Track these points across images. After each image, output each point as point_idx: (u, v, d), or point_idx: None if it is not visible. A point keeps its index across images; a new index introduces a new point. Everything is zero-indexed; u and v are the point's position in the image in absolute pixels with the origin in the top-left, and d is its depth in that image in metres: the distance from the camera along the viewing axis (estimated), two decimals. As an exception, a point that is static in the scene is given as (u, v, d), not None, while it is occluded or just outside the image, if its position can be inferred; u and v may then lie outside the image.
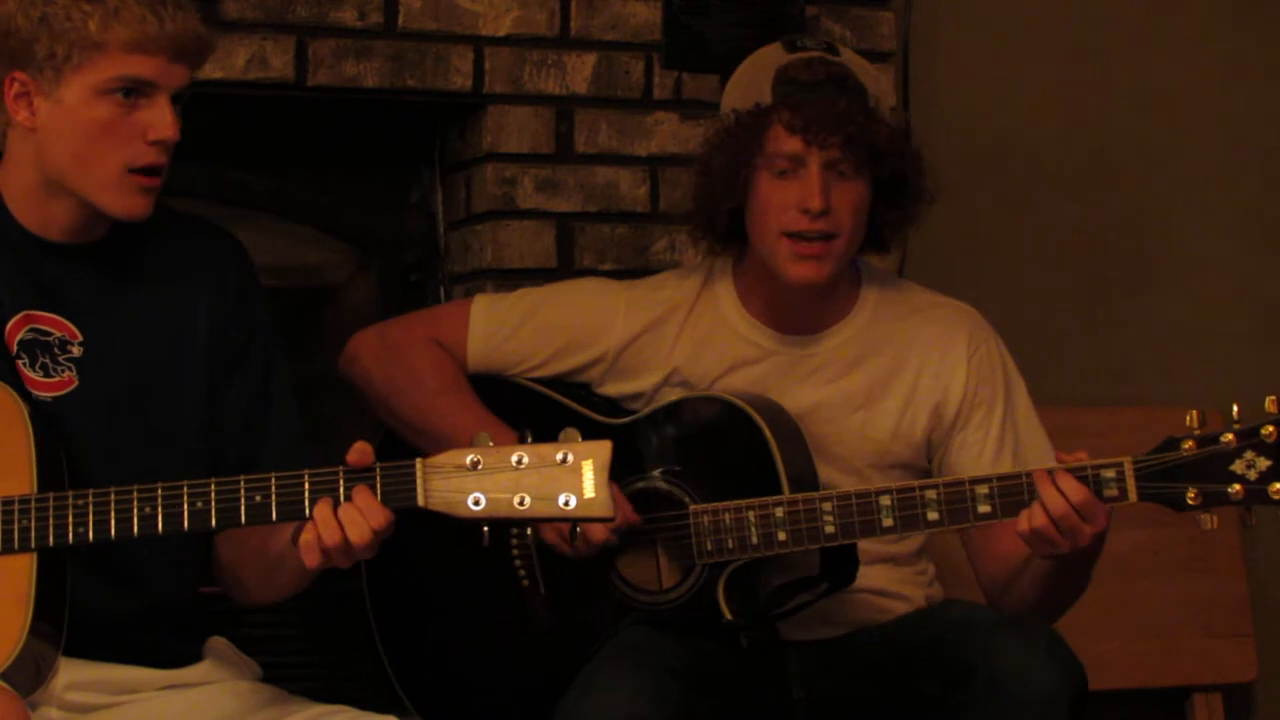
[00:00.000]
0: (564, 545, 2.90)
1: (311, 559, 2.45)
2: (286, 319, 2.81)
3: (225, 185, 3.51)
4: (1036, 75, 4.06)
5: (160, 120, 2.57)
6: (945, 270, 3.66)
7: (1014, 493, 2.71)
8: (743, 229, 3.00)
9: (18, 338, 2.60)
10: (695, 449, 2.96)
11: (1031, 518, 2.68)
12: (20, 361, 2.60)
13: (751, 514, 2.85)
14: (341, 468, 2.46)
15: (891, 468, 3.00)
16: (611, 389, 3.08)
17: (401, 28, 3.50)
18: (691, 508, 2.90)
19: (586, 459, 2.37)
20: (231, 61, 3.38)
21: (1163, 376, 4.10)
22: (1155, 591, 3.89)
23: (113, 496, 2.48)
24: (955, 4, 3.98)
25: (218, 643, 2.74)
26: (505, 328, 3.09)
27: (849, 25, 3.76)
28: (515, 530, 3.03)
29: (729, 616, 2.88)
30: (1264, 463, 2.59)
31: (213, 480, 2.48)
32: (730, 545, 2.87)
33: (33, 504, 2.48)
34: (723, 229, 3.02)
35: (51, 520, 2.48)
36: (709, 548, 2.88)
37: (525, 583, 2.97)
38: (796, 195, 2.91)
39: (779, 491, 2.84)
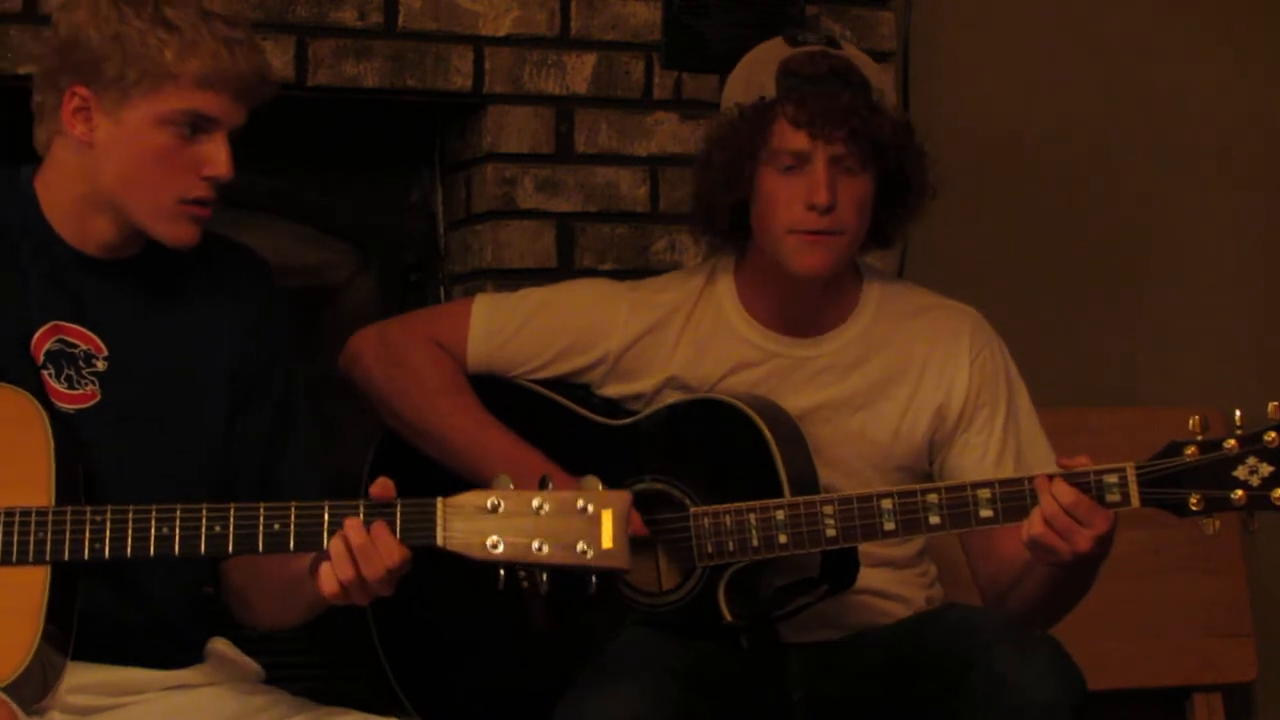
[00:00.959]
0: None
1: (329, 587, 2.44)
2: (297, 320, 2.81)
3: (226, 185, 3.50)
4: (1037, 75, 4.07)
5: (217, 157, 2.58)
6: (945, 269, 3.66)
7: (1016, 498, 2.70)
8: (745, 224, 3.00)
9: (45, 348, 2.60)
10: (696, 451, 2.96)
11: (1030, 525, 2.68)
12: (46, 372, 2.59)
13: (752, 516, 2.85)
14: (362, 501, 2.46)
15: (893, 470, 3.00)
16: (612, 390, 3.07)
17: (401, 28, 3.50)
18: (692, 510, 2.90)
19: (606, 509, 2.39)
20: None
21: (1163, 376, 4.10)
22: (1155, 591, 3.89)
23: (130, 515, 2.47)
24: (955, 4, 3.98)
25: (219, 644, 2.74)
26: (506, 329, 3.09)
27: (849, 25, 3.76)
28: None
29: (729, 618, 2.88)
30: (1267, 469, 2.59)
31: (232, 505, 2.47)
32: (731, 547, 2.87)
33: (49, 517, 2.47)
34: (724, 224, 3.02)
35: (68, 535, 2.47)
36: (709, 550, 2.88)
37: (525, 584, 2.97)
38: (803, 191, 2.90)
39: (779, 493, 2.84)
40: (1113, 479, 2.67)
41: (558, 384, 3.10)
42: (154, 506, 2.48)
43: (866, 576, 2.94)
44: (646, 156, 3.66)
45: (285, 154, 3.55)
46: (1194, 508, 2.62)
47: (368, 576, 2.43)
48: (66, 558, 2.46)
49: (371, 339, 3.15)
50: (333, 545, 2.44)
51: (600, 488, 2.40)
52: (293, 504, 2.47)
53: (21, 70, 3.22)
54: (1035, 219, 4.07)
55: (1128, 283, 4.14)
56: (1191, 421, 2.64)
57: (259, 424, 2.71)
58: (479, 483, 2.99)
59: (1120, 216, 4.13)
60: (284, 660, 3.04)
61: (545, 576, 2.40)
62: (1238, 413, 2.61)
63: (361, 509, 2.45)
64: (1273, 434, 2.59)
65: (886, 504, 2.77)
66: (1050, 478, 2.68)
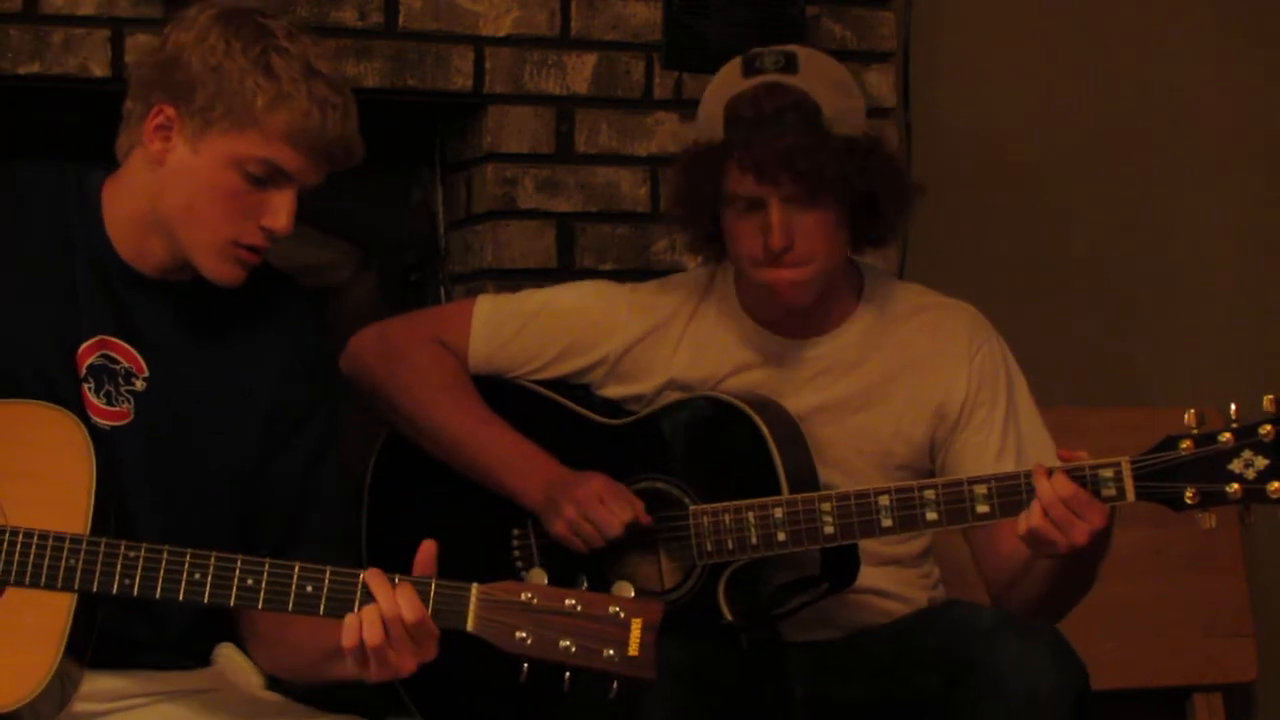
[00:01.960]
0: (574, 540, 2.90)
1: (349, 639, 2.39)
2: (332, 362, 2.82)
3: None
4: (1037, 75, 4.07)
5: (280, 210, 2.55)
6: (945, 270, 3.66)
7: (1012, 492, 2.71)
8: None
9: (88, 361, 2.59)
10: (695, 450, 2.96)
11: (1029, 517, 2.68)
12: (87, 385, 2.58)
13: (751, 514, 2.85)
14: (398, 576, 2.42)
15: (894, 469, 2.99)
16: (612, 391, 3.08)
17: (402, 28, 3.50)
18: (691, 508, 2.90)
19: (637, 618, 2.38)
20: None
21: (1163, 376, 4.11)
22: (1155, 591, 3.89)
23: (165, 556, 2.44)
24: (955, 4, 3.98)
25: (226, 649, 2.73)
26: (507, 329, 3.09)
27: (849, 25, 3.76)
28: (516, 530, 3.04)
29: (729, 617, 2.88)
30: (1262, 461, 2.59)
31: (267, 561, 2.44)
32: (730, 546, 2.87)
33: (83, 546, 2.45)
34: (710, 248, 3.02)
35: (99, 566, 2.45)
36: (709, 548, 2.88)
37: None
38: (759, 232, 2.90)
39: (778, 492, 2.85)
40: (1108, 473, 2.67)
41: (558, 384, 3.10)
42: (189, 551, 2.45)
43: (869, 576, 2.94)
44: (647, 156, 3.66)
45: (285, 154, 3.56)
46: (1189, 501, 2.62)
47: (391, 633, 2.38)
48: (95, 589, 2.45)
49: (373, 338, 3.15)
50: (365, 607, 2.40)
51: (632, 594, 2.40)
52: (328, 568, 2.43)
53: (21, 70, 3.22)
54: (1035, 219, 4.07)
55: (1127, 283, 4.14)
56: (1187, 416, 2.64)
57: (293, 464, 2.67)
58: (480, 481, 3.01)
59: (1120, 216, 4.14)
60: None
61: (567, 675, 2.39)
62: (1233, 406, 2.62)
63: (397, 580, 2.42)
64: (1268, 427, 2.59)
65: (884, 500, 2.77)
66: (1049, 471, 2.68)
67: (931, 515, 2.76)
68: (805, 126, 2.89)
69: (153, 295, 2.63)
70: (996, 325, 3.10)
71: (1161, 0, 4.17)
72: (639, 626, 2.38)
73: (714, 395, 2.97)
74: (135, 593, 2.45)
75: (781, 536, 2.83)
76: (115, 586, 2.45)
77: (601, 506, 2.89)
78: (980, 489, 2.73)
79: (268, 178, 2.54)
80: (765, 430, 2.88)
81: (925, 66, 3.90)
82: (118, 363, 2.60)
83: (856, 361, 3.02)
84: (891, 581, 3.01)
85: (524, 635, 2.38)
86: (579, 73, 3.62)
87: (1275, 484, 2.58)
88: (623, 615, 2.38)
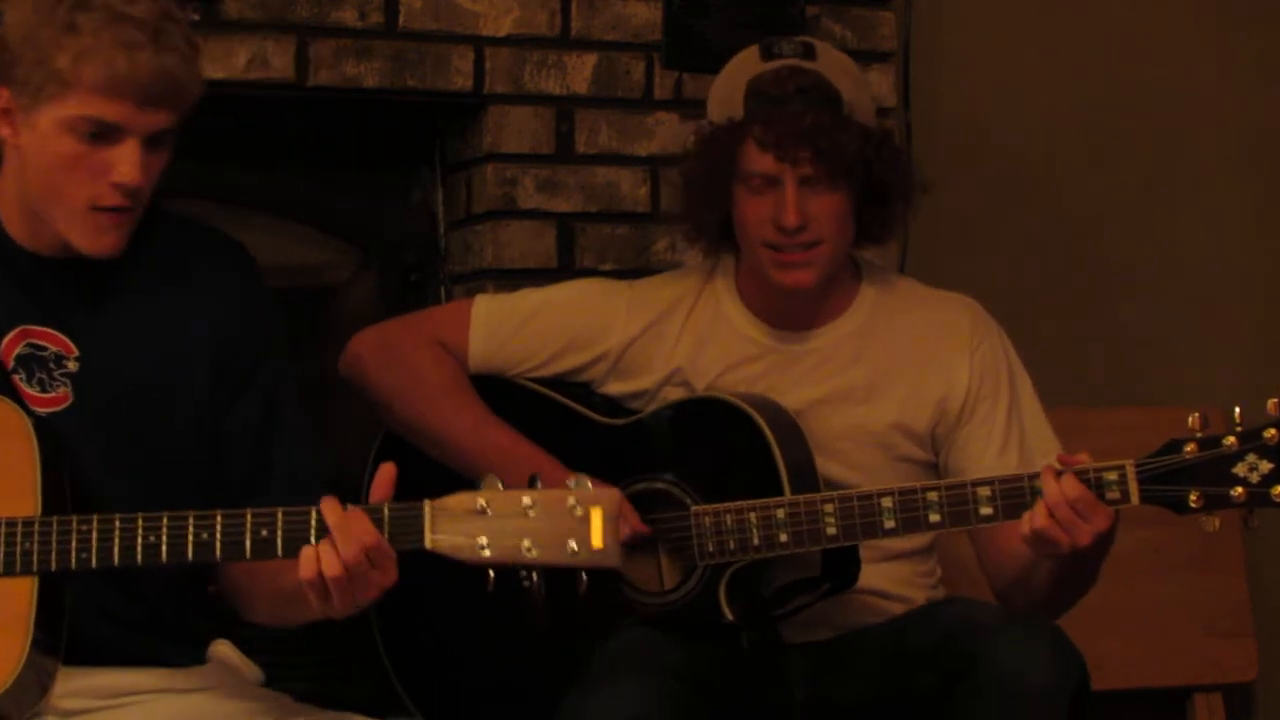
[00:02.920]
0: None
1: (306, 571, 2.40)
2: (285, 314, 2.79)
3: (226, 185, 3.51)
4: (1037, 75, 4.07)
5: (123, 162, 2.50)
6: (945, 268, 3.66)
7: (1016, 495, 2.71)
8: (734, 232, 3.01)
9: (14, 353, 2.57)
10: (696, 450, 2.96)
11: (1033, 518, 2.68)
12: (17, 376, 2.56)
13: (753, 515, 2.85)
14: (349, 504, 2.42)
15: (896, 461, 3.00)
16: (613, 388, 3.08)
17: (402, 28, 3.50)
18: (693, 509, 2.90)
19: (595, 507, 2.37)
20: (232, 61, 3.37)
21: (1163, 376, 4.10)
22: (1155, 591, 3.89)
23: (117, 524, 2.45)
24: (955, 4, 3.98)
25: (221, 646, 2.73)
26: (507, 328, 3.09)
27: (849, 25, 3.76)
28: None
29: (730, 618, 2.88)
30: (1266, 465, 2.59)
31: (219, 512, 2.45)
32: (731, 546, 2.87)
33: (35, 527, 2.45)
34: (714, 234, 3.03)
35: (54, 544, 2.45)
36: (710, 549, 2.88)
37: (526, 584, 2.96)
38: (772, 211, 2.91)
39: (780, 492, 2.84)
40: (1112, 476, 2.67)
41: (558, 383, 3.10)
42: (140, 515, 2.45)
43: (871, 574, 2.94)
44: (647, 156, 3.66)
45: (285, 154, 3.56)
46: (1193, 505, 2.62)
47: (346, 559, 2.39)
48: (54, 568, 2.45)
49: (372, 340, 3.15)
50: (321, 540, 2.41)
51: (590, 486, 2.38)
52: (279, 510, 2.44)
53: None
54: (1035, 218, 4.07)
55: (1128, 282, 4.14)
56: (1191, 419, 2.64)
57: (247, 417, 2.66)
58: (479, 482, 3.01)
59: (1120, 216, 4.13)
60: (285, 661, 3.04)
61: (536, 576, 2.39)
62: (1237, 410, 2.61)
63: (348, 506, 2.42)
64: (1272, 431, 2.59)
65: (887, 502, 2.77)
66: (1058, 472, 2.68)
67: (934, 517, 2.76)
68: (826, 108, 2.91)
69: (66, 276, 2.60)
70: (997, 324, 3.10)
71: (1161, 0, 4.17)
72: (599, 516, 2.37)
73: (715, 395, 2.97)
74: (94, 565, 2.45)
75: (783, 537, 2.83)
76: (74, 562, 2.45)
77: None
78: (984, 491, 2.73)
79: (100, 134, 2.50)
80: (767, 430, 2.88)
81: (925, 66, 3.90)
82: (45, 349, 2.59)
83: (857, 353, 3.02)
84: (892, 581, 3.01)
85: (483, 543, 2.37)
86: (579, 73, 3.62)
87: (1279, 488, 2.58)
88: (581, 508, 2.37)
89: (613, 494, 2.39)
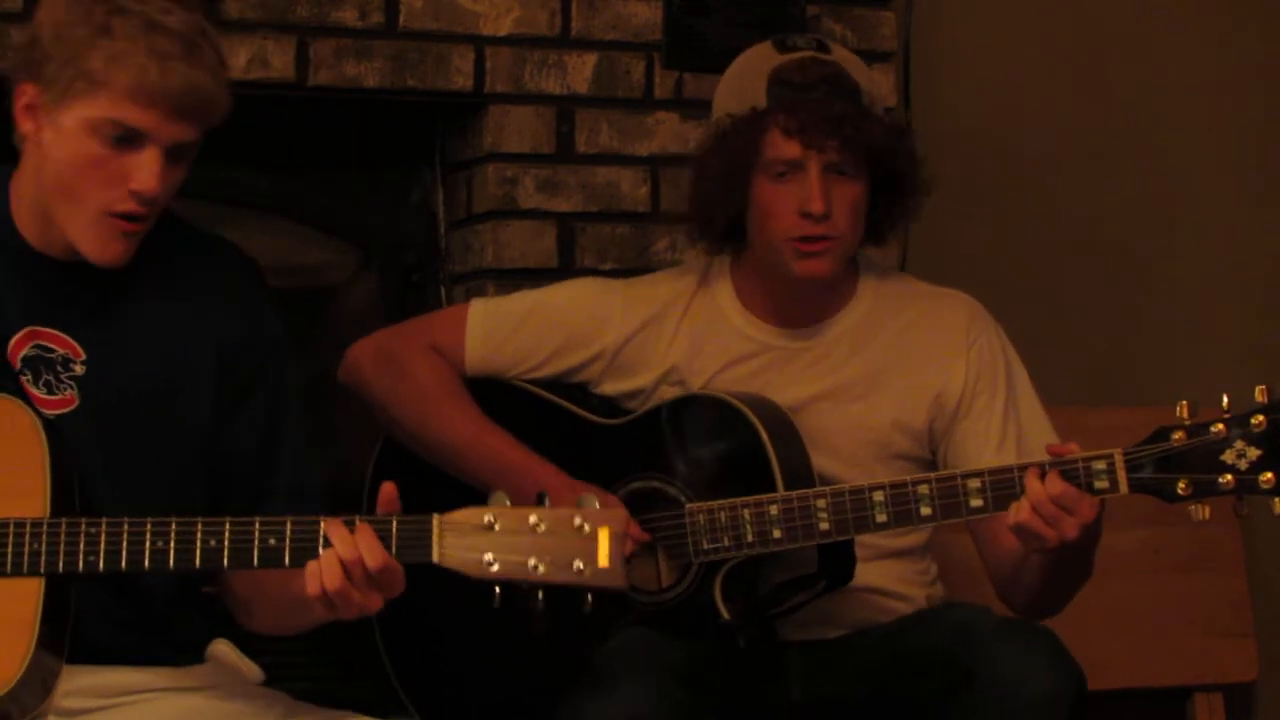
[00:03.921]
0: None
1: (312, 587, 2.42)
2: (287, 319, 2.80)
3: (226, 185, 3.51)
4: (1037, 75, 4.07)
5: (143, 171, 2.51)
6: (946, 269, 3.65)
7: (1005, 486, 2.71)
8: (740, 229, 3.01)
9: (21, 354, 2.58)
10: (691, 448, 2.96)
11: (1016, 512, 2.68)
12: (24, 378, 2.57)
13: (746, 512, 2.85)
14: (359, 517, 2.43)
15: (894, 458, 3.00)
16: (610, 388, 3.08)
17: (402, 27, 3.50)
18: (688, 507, 2.90)
19: (602, 527, 2.37)
20: (232, 61, 3.36)
21: (1163, 376, 4.10)
22: (1155, 591, 3.88)
23: (126, 528, 2.45)
24: (956, 4, 3.98)
25: (221, 645, 2.73)
26: (503, 329, 3.09)
27: (849, 25, 3.76)
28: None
29: (726, 616, 2.88)
30: (1254, 452, 2.58)
31: (228, 520, 2.45)
32: (726, 543, 2.87)
33: (44, 528, 2.46)
34: (719, 232, 3.03)
35: (62, 547, 2.45)
36: (705, 546, 2.89)
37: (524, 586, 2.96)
38: (797, 199, 2.91)
39: (774, 489, 2.85)
40: (1101, 465, 2.66)
41: (555, 384, 3.10)
42: (149, 520, 2.45)
43: (867, 572, 2.94)
44: (647, 156, 3.66)
45: (286, 154, 3.56)
46: (1182, 493, 2.61)
47: (356, 582, 2.40)
48: (61, 570, 2.45)
49: (370, 349, 3.15)
50: (325, 552, 2.42)
51: (596, 504, 2.38)
52: (289, 519, 2.44)
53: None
54: (1035, 218, 4.07)
55: (1128, 282, 4.14)
56: (1179, 408, 2.63)
57: (251, 422, 2.67)
58: (481, 489, 3.01)
59: (1120, 215, 4.13)
60: (285, 661, 3.04)
61: (540, 594, 2.39)
62: (1225, 398, 2.61)
63: (357, 523, 2.43)
64: (1259, 418, 2.58)
65: (878, 496, 2.78)
66: (1041, 468, 2.68)
67: (926, 510, 2.76)
68: (849, 96, 2.93)
69: (75, 279, 2.60)
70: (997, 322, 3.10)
71: (1162, 0, 4.17)
72: (606, 536, 2.37)
73: (709, 394, 2.97)
74: (101, 568, 2.45)
75: (777, 534, 2.84)
76: (80, 564, 2.45)
77: None
78: (974, 483, 2.73)
79: (125, 139, 2.50)
80: (760, 428, 2.88)
81: (925, 66, 3.90)
82: (53, 351, 2.59)
83: (854, 350, 3.02)
84: (889, 579, 3.01)
85: (491, 559, 2.37)
86: (579, 72, 3.62)
87: (1268, 474, 2.57)
88: (588, 527, 2.37)
89: (620, 514, 2.39)
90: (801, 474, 2.88)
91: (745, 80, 2.98)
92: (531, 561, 2.37)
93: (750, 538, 2.85)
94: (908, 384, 3.01)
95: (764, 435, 2.87)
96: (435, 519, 2.40)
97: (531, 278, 3.52)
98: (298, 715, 2.64)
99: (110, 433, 2.59)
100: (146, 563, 2.45)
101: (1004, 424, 3.00)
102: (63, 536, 2.45)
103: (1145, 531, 3.72)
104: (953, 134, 3.92)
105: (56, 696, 2.54)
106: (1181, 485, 2.61)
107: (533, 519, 2.38)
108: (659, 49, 3.66)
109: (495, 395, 3.07)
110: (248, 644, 2.78)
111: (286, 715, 2.64)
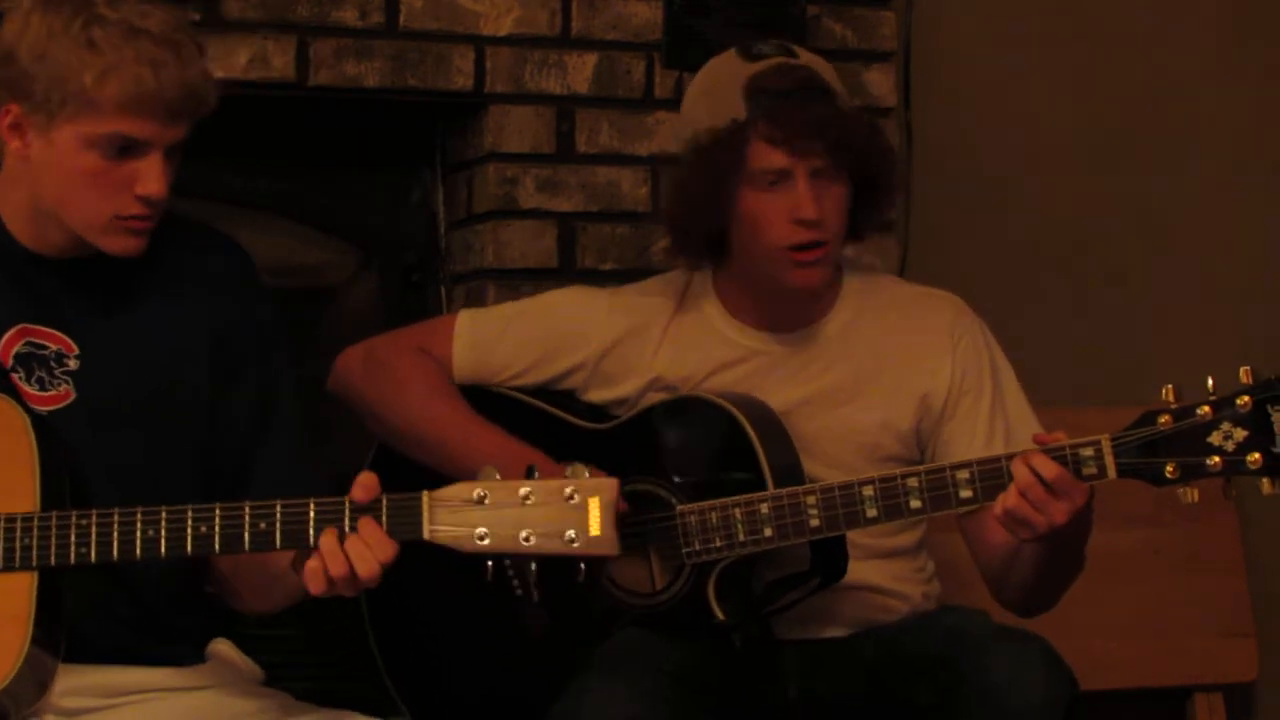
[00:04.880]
0: None
1: (317, 586, 2.43)
2: (287, 319, 2.80)
3: (226, 185, 3.51)
4: (1037, 75, 4.06)
5: (148, 177, 2.52)
6: (944, 268, 3.66)
7: (994, 476, 2.70)
8: (721, 243, 3.00)
9: (13, 351, 2.58)
10: (680, 450, 2.95)
11: (1004, 498, 2.68)
12: (16, 375, 2.57)
13: (737, 511, 2.85)
14: (348, 499, 2.44)
15: (882, 461, 2.99)
16: (595, 395, 3.07)
17: (403, 27, 3.50)
18: (678, 508, 2.90)
19: (593, 496, 2.37)
20: (232, 61, 3.38)
21: (1162, 376, 4.08)
22: (1155, 591, 3.88)
23: (116, 518, 2.46)
24: (955, 4, 3.98)
25: (221, 645, 2.73)
26: (489, 337, 3.09)
27: (850, 25, 3.76)
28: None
29: (721, 617, 2.88)
30: (1241, 433, 2.57)
31: (218, 506, 2.46)
32: (718, 544, 2.87)
33: (35, 522, 2.46)
34: (699, 248, 3.02)
35: (54, 539, 2.46)
36: (697, 547, 2.88)
37: (518, 589, 2.97)
38: (787, 207, 2.90)
39: (764, 488, 2.84)
40: (1088, 452, 2.65)
41: (542, 392, 3.10)
42: (139, 509, 2.46)
43: (863, 571, 2.94)
44: (647, 156, 3.66)
45: (286, 154, 3.57)
46: (1170, 476, 2.60)
47: (360, 574, 2.41)
48: (53, 563, 2.45)
49: (359, 356, 3.15)
50: (323, 541, 2.42)
51: (587, 474, 2.38)
52: (278, 503, 2.45)
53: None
54: (1034, 218, 4.06)
55: (1127, 282, 4.14)
56: (1165, 390, 2.63)
57: (239, 413, 2.67)
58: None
59: (1120, 216, 4.13)
60: (285, 661, 3.05)
61: (534, 566, 2.40)
62: (1209, 380, 2.61)
63: (347, 506, 2.44)
64: (1245, 398, 2.57)
65: (868, 490, 2.77)
66: (1027, 454, 2.67)
67: (915, 503, 2.75)
68: (827, 100, 2.92)
69: (66, 275, 2.61)
70: (996, 324, 3.10)
71: (1161, 1, 4.17)
72: (597, 505, 2.37)
73: (697, 395, 2.97)
74: (93, 559, 2.46)
75: (768, 532, 2.83)
76: (73, 557, 2.46)
77: None
78: (963, 474, 2.72)
79: (125, 149, 2.51)
80: (748, 428, 2.87)
81: (925, 66, 3.90)
82: (45, 347, 2.59)
83: (841, 354, 3.02)
84: (885, 577, 3.01)
85: (482, 533, 2.38)
86: (580, 72, 3.62)
87: (1255, 455, 2.57)
88: (578, 497, 2.37)
89: (610, 482, 2.39)
90: (791, 473, 2.88)
91: (718, 92, 2.96)
92: (523, 533, 2.37)
93: (742, 537, 2.85)
94: (894, 387, 3.01)
95: (752, 434, 2.87)
96: (425, 495, 2.42)
97: (532, 278, 3.52)
98: (298, 715, 2.65)
99: (106, 426, 2.60)
100: (138, 551, 2.46)
101: (991, 422, 2.99)
102: (53, 530, 2.46)
103: (1145, 531, 3.71)
104: (953, 134, 3.92)
105: (56, 696, 2.54)
106: (1169, 468, 2.61)
107: (523, 491, 2.38)
108: (659, 49, 3.66)
109: (485, 401, 3.07)
110: (248, 644, 2.78)
111: (286, 715, 2.65)
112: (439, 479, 2.98)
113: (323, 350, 3.36)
